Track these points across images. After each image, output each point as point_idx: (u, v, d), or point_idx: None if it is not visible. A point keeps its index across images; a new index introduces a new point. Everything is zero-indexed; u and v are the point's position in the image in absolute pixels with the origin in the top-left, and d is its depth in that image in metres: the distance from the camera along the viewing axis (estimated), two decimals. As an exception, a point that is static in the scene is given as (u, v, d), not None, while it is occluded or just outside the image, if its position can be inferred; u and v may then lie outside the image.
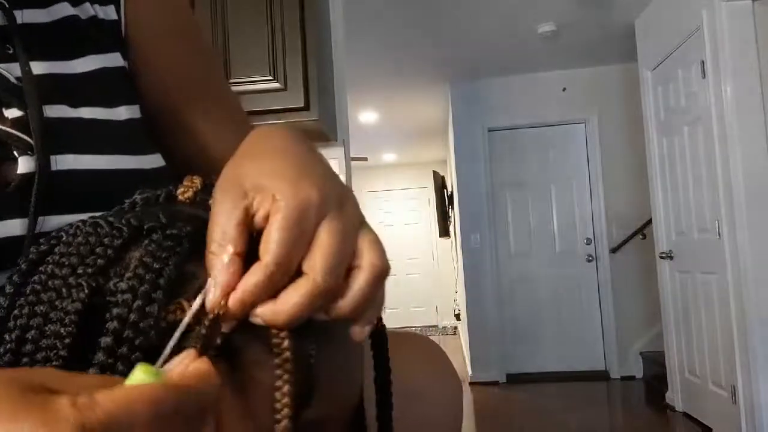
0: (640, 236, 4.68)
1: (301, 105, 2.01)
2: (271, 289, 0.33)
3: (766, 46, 2.90)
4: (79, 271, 0.34)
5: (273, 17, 2.04)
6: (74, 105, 0.50)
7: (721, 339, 3.12)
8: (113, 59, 0.55)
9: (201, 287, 0.34)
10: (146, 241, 0.35)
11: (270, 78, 2.03)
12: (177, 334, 0.31)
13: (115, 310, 0.32)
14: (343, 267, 0.35)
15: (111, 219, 0.37)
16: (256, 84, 2.03)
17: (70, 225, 0.38)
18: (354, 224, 0.37)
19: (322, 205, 0.35)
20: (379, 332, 0.45)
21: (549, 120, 5.06)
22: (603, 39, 4.31)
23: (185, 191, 0.41)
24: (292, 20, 2.04)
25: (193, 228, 0.36)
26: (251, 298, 0.33)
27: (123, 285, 0.33)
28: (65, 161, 0.47)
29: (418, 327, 8.52)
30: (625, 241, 4.80)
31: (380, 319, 0.45)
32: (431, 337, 0.71)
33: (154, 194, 0.41)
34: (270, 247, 0.34)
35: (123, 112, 0.53)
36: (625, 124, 4.84)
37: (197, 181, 0.42)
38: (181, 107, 0.62)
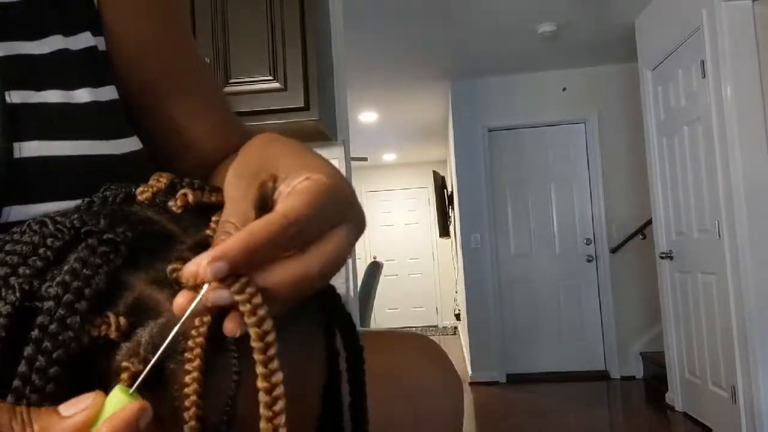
0: (640, 236, 4.68)
1: (301, 105, 2.01)
2: (264, 254, 0.31)
3: (766, 46, 2.90)
4: (19, 271, 0.32)
5: (273, 17, 2.04)
6: (39, 88, 0.47)
7: (721, 339, 3.12)
8: (79, 39, 0.52)
9: (136, 300, 0.32)
10: (81, 246, 0.33)
11: (270, 78, 2.03)
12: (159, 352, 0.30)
13: (39, 318, 0.30)
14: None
15: (58, 218, 0.35)
16: (256, 84, 2.03)
17: (22, 223, 0.36)
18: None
19: (348, 205, 0.35)
20: (350, 332, 0.43)
21: (549, 120, 5.06)
22: (603, 39, 4.31)
23: (144, 191, 0.39)
24: (292, 20, 2.04)
25: (137, 234, 0.34)
26: (247, 250, 0.30)
27: (51, 290, 0.31)
28: (29, 148, 0.45)
29: (418, 327, 8.52)
30: (625, 241, 4.80)
31: (344, 312, 0.43)
32: (431, 337, 0.71)
33: (114, 192, 0.39)
34: (295, 203, 0.32)
35: (91, 95, 0.50)
36: (625, 124, 4.84)
37: (163, 180, 0.39)
38: (156, 88, 0.59)
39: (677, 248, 3.63)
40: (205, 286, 0.30)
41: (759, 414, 2.84)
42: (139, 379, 0.29)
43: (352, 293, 2.33)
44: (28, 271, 0.32)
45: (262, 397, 0.29)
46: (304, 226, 0.32)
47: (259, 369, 0.29)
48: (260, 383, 0.29)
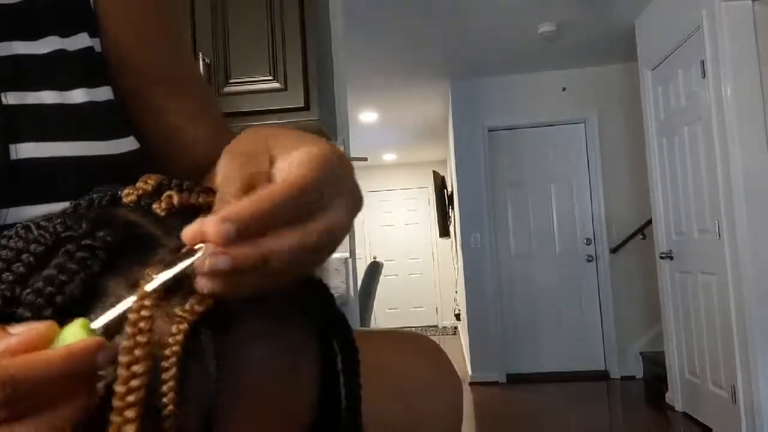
0: (640, 236, 4.68)
1: (301, 105, 2.02)
2: (270, 221, 0.30)
3: (766, 46, 2.90)
4: (2, 277, 0.32)
5: (273, 17, 2.04)
6: (35, 89, 0.47)
7: (721, 339, 3.12)
8: (77, 40, 0.52)
9: (114, 305, 0.31)
10: (61, 251, 0.33)
11: (270, 78, 2.03)
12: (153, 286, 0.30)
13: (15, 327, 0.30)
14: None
15: (43, 223, 0.35)
16: (256, 84, 2.03)
17: (10, 227, 0.36)
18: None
19: (343, 183, 0.35)
20: (341, 324, 0.41)
21: (549, 120, 5.06)
22: (603, 39, 4.31)
23: (130, 194, 0.38)
24: (292, 20, 2.04)
25: (117, 238, 0.34)
26: (255, 215, 0.30)
27: (30, 297, 0.31)
28: (26, 150, 0.45)
29: (418, 327, 8.51)
30: (625, 241, 4.80)
31: (339, 314, 0.41)
32: (431, 337, 0.71)
33: (101, 195, 0.39)
34: (298, 172, 0.32)
35: (87, 95, 0.50)
36: (625, 124, 4.84)
37: (151, 181, 0.39)
38: (151, 89, 0.58)
39: (677, 248, 3.63)
40: (201, 249, 0.30)
41: (759, 414, 2.84)
42: (106, 319, 0.29)
43: (352, 293, 2.33)
44: (11, 277, 0.32)
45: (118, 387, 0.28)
46: (308, 195, 0.32)
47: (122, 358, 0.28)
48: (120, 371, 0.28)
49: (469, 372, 5.04)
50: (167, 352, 0.30)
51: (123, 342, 0.29)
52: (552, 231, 5.10)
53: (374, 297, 4.28)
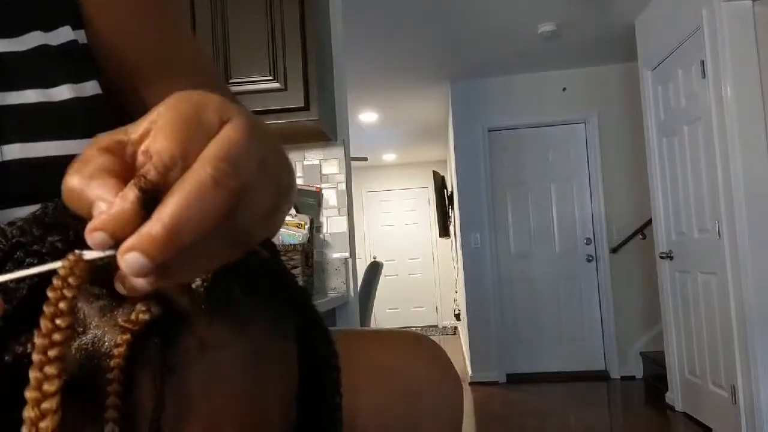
0: (640, 236, 4.68)
1: (301, 105, 2.02)
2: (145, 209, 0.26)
3: (766, 46, 2.90)
4: None
5: (273, 17, 2.05)
6: (17, 88, 0.46)
7: (721, 339, 3.12)
8: (60, 34, 0.50)
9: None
10: (12, 257, 0.32)
11: (270, 78, 2.03)
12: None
13: None
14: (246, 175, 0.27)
15: (6, 228, 0.34)
16: (256, 84, 2.03)
17: None
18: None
19: (224, 106, 0.29)
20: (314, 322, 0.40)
21: (549, 120, 5.06)
22: (603, 39, 4.31)
23: None
24: (292, 20, 2.04)
25: (70, 243, 0.32)
26: (117, 225, 0.26)
27: None
28: (12, 151, 0.44)
29: (418, 327, 8.52)
30: (625, 241, 4.81)
31: (313, 312, 0.39)
32: (431, 337, 0.71)
33: None
34: (155, 144, 0.27)
35: (72, 91, 0.48)
36: (625, 124, 4.84)
37: None
38: (140, 84, 0.56)
39: (677, 248, 3.63)
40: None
41: (759, 414, 2.84)
42: (12, 276, 0.29)
43: (352, 293, 2.33)
44: None
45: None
46: (179, 152, 0.27)
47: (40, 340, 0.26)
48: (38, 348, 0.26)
49: (469, 372, 5.04)
50: (112, 363, 0.29)
51: (49, 293, 0.27)
52: (552, 231, 5.11)
53: (374, 297, 4.28)
